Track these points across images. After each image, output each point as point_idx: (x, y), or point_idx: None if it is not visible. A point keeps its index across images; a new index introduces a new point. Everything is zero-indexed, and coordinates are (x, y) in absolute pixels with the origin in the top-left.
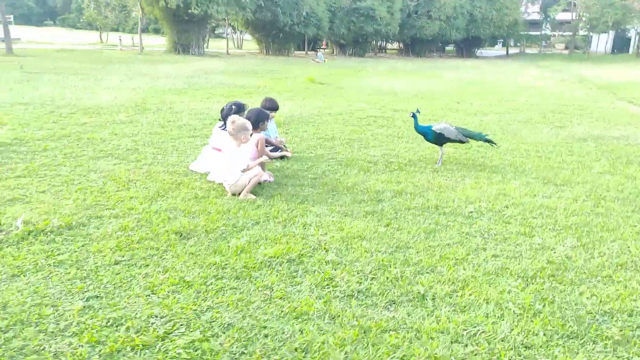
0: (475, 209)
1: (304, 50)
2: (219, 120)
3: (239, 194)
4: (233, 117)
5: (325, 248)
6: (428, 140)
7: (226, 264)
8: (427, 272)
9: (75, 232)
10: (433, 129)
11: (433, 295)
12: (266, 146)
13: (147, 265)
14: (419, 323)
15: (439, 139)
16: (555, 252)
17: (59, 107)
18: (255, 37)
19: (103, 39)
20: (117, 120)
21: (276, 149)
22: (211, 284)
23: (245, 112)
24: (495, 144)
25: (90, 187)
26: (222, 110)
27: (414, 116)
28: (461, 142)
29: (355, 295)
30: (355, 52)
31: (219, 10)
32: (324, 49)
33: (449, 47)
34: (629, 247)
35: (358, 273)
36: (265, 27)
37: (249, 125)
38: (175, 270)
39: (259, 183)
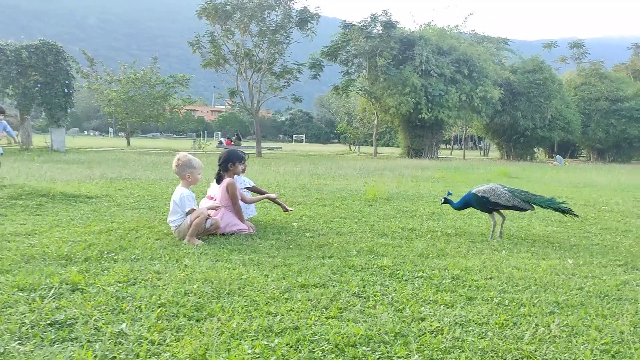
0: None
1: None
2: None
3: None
4: (179, 155)
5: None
6: (474, 207)
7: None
8: None
9: None
10: (474, 191)
11: None
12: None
13: None
14: None
15: (484, 205)
16: None
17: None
18: (495, 143)
19: (352, 148)
20: None
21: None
22: None
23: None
24: (574, 213)
25: None
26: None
27: (447, 201)
28: (519, 209)
29: None
30: (617, 158)
31: (450, 115)
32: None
33: None
34: None
35: None
36: (505, 132)
37: (195, 162)
38: None
39: (237, 232)
